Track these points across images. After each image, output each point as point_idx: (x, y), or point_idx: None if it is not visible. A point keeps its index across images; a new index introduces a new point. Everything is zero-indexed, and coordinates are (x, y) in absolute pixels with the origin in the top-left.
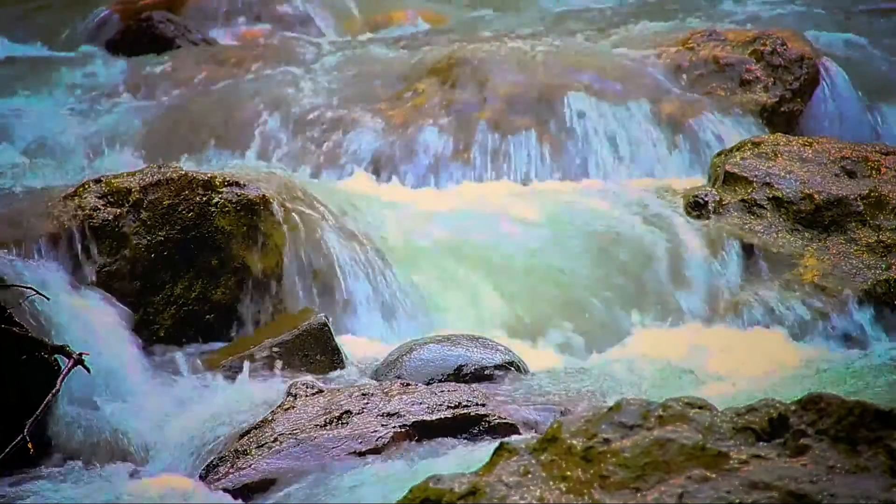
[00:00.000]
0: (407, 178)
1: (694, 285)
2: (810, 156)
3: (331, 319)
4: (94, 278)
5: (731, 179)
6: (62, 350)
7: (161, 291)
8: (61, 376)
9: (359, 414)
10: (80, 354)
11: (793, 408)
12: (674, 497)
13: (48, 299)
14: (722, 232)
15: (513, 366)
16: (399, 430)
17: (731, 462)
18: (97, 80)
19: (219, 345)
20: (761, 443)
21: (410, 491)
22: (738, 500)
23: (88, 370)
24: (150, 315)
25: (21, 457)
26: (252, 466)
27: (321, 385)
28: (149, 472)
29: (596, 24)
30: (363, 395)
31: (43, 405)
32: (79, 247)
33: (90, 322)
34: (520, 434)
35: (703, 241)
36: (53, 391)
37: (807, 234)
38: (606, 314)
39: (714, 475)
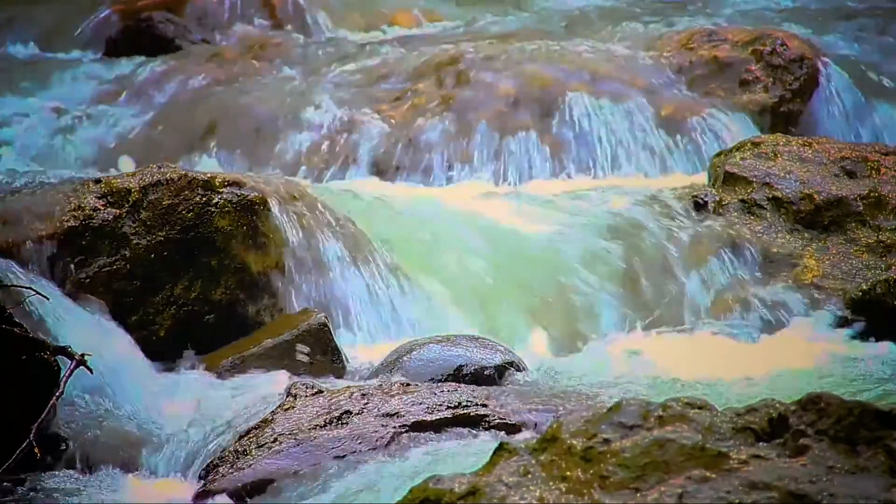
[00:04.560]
0: (407, 177)
1: (694, 286)
2: (810, 156)
3: (330, 320)
4: (93, 278)
5: (730, 179)
6: (64, 351)
7: (161, 291)
8: (64, 377)
9: (359, 414)
10: (83, 355)
11: (792, 408)
12: (674, 497)
13: (48, 300)
14: (721, 232)
15: (513, 366)
16: (399, 430)
17: (731, 462)
18: (97, 80)
19: (218, 345)
20: (761, 443)
21: (410, 491)
22: (737, 501)
23: (91, 371)
24: (149, 315)
25: (22, 459)
26: (252, 466)
27: (321, 385)
28: (148, 474)
29: (596, 24)
30: (363, 395)
31: (48, 407)
32: (78, 247)
33: (89, 323)
34: (520, 434)
35: (703, 242)
36: (57, 393)
37: (807, 235)
38: (606, 314)
39: (714, 475)
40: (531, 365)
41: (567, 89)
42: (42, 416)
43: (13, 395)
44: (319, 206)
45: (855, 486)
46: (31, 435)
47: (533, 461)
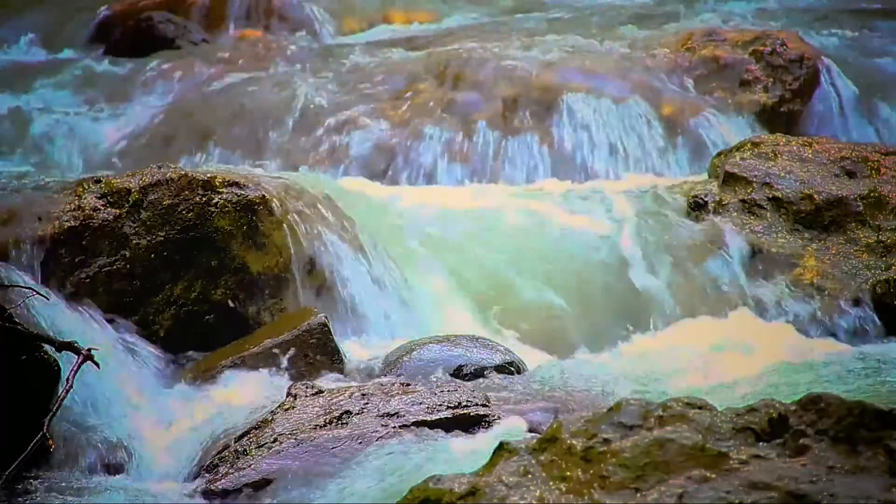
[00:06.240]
0: (407, 177)
1: (693, 286)
2: (810, 156)
3: (330, 319)
4: (93, 278)
5: (730, 179)
6: (70, 346)
7: (161, 292)
8: (71, 372)
9: (359, 414)
10: (89, 350)
11: (792, 408)
12: (674, 497)
13: (48, 300)
14: (721, 232)
15: (513, 366)
16: (399, 430)
17: (731, 462)
18: (97, 80)
19: (219, 345)
20: (761, 443)
21: (410, 491)
22: (737, 501)
23: (98, 365)
24: (149, 315)
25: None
26: (252, 466)
27: (321, 385)
28: (148, 475)
29: (596, 23)
30: (363, 395)
31: (59, 402)
32: (78, 247)
33: (89, 323)
34: (520, 434)
35: (703, 242)
36: (66, 387)
37: (807, 234)
38: (606, 314)
39: (714, 475)
40: (531, 365)
41: (567, 89)
42: (54, 410)
43: (18, 392)
44: (319, 205)
45: (855, 486)
46: (45, 427)
47: (533, 461)
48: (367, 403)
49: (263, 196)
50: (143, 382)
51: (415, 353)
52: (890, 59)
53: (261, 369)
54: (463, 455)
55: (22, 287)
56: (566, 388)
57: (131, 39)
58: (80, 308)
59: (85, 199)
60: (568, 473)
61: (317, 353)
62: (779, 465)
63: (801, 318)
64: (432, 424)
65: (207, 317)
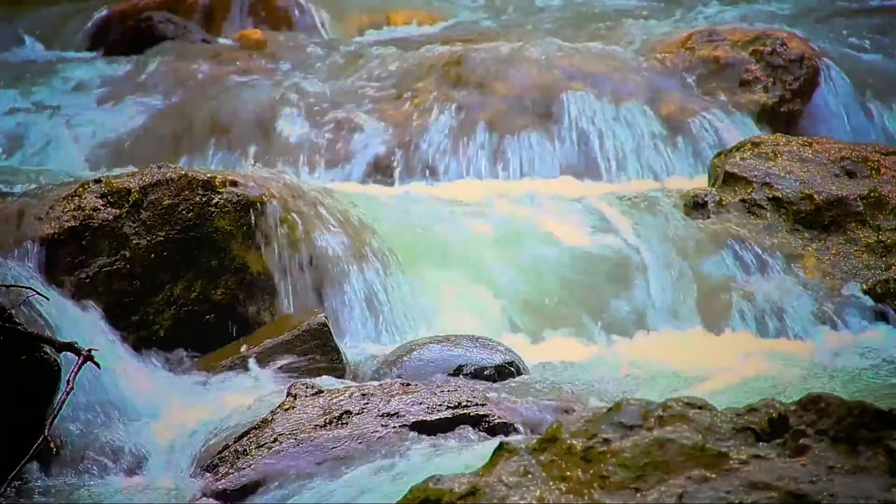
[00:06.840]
0: (406, 177)
1: (694, 286)
2: (810, 156)
3: (330, 319)
4: (93, 278)
5: (730, 180)
6: (71, 347)
7: (161, 292)
8: (72, 372)
9: (359, 414)
10: (90, 350)
11: (793, 408)
12: (674, 497)
13: (48, 300)
14: (721, 232)
15: (513, 366)
16: (399, 430)
17: (731, 462)
18: (97, 80)
19: (218, 345)
20: (761, 443)
21: (410, 491)
22: (737, 501)
23: (98, 366)
24: (149, 315)
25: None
26: (252, 466)
27: (321, 385)
28: (148, 475)
29: (596, 24)
30: (363, 395)
31: (60, 404)
32: (78, 247)
33: (89, 323)
34: (520, 434)
35: (703, 242)
36: (67, 389)
37: (807, 234)
38: (606, 314)
39: (714, 475)
40: (531, 365)
41: (567, 89)
42: (55, 412)
43: (18, 393)
44: (319, 205)
45: (855, 486)
46: (46, 430)
47: (533, 461)
48: (367, 403)
49: (263, 196)
50: (142, 383)
51: (415, 353)
52: (890, 59)
53: (261, 369)
54: (462, 455)
55: (22, 287)
56: (566, 388)
57: (131, 39)
58: (80, 308)
59: (85, 199)
60: (568, 473)
61: (317, 353)
62: (779, 465)
63: (800, 318)
64: (432, 424)
65: (207, 317)
